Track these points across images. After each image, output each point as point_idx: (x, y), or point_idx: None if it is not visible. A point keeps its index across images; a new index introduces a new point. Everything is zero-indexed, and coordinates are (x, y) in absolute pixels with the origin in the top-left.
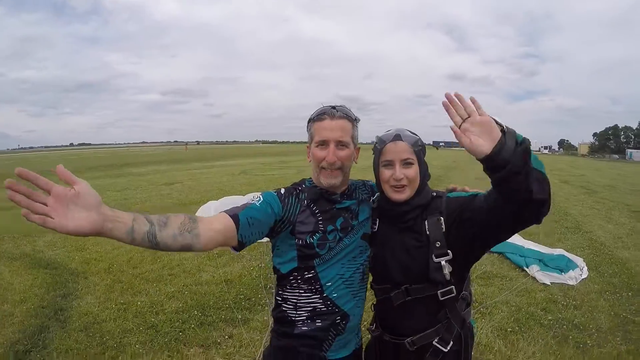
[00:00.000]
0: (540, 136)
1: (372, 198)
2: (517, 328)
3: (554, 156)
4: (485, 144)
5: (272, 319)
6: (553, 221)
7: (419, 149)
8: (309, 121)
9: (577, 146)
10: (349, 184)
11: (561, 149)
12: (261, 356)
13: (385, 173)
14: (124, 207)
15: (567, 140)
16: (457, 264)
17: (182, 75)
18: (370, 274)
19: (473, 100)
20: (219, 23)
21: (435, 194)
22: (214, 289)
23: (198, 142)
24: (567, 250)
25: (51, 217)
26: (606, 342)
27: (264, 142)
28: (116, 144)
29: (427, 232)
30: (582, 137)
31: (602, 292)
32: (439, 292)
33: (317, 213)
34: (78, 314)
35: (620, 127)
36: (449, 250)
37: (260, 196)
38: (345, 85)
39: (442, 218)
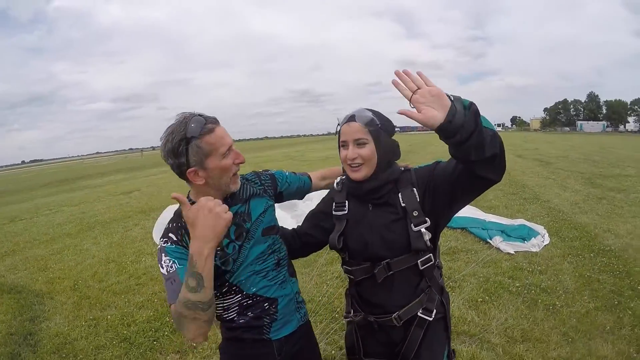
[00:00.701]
0: (492, 115)
1: (335, 182)
2: (487, 298)
3: (507, 133)
4: (438, 114)
5: (217, 319)
6: (511, 194)
7: (375, 127)
8: (183, 139)
9: (529, 122)
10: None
11: (514, 125)
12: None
13: (342, 153)
14: (83, 222)
15: (519, 117)
16: (432, 231)
17: (131, 81)
18: (342, 256)
19: (420, 74)
20: (165, 24)
21: (403, 168)
22: None
23: (153, 148)
24: (527, 220)
25: None
26: (574, 302)
27: None
28: (69, 157)
29: (403, 204)
30: (533, 113)
31: (564, 255)
32: (419, 261)
33: None
34: (48, 336)
35: (569, 101)
36: (426, 218)
37: (169, 258)
38: (295, 78)
39: (415, 189)
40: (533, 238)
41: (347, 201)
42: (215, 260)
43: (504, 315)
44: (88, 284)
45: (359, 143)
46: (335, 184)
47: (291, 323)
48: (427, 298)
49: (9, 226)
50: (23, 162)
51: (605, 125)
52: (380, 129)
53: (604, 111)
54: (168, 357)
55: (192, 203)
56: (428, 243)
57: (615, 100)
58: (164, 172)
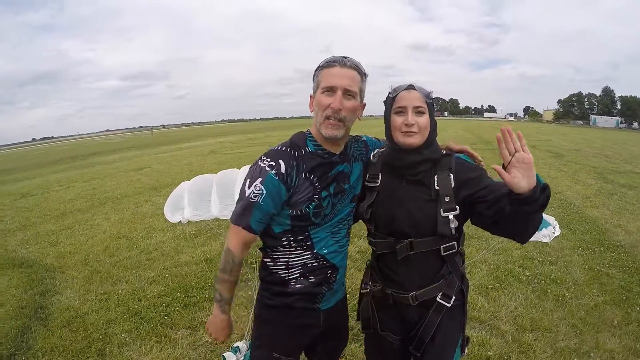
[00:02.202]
0: (505, 103)
1: (372, 153)
2: (497, 285)
3: (520, 123)
4: (524, 185)
5: (260, 281)
6: None
7: (431, 101)
8: (317, 69)
9: (542, 113)
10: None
11: (526, 115)
12: (252, 318)
13: (397, 120)
14: (94, 197)
15: (532, 108)
16: (460, 220)
17: (141, 58)
18: (368, 227)
19: (520, 137)
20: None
21: (444, 151)
22: (194, 269)
23: (164, 126)
24: None
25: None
26: (583, 294)
27: (230, 120)
28: (80, 134)
29: (437, 187)
30: (547, 104)
31: (575, 248)
32: (441, 247)
33: (315, 181)
34: (59, 310)
35: (584, 94)
36: (457, 206)
37: (262, 188)
38: (305, 58)
39: (451, 175)
40: (544, 228)
41: (380, 173)
42: (308, 209)
43: (513, 303)
44: (99, 258)
45: (418, 111)
46: (372, 156)
47: (337, 294)
48: (447, 284)
49: (20, 202)
50: (34, 139)
51: (619, 121)
52: (432, 104)
53: (619, 107)
54: (179, 332)
55: (316, 144)
56: (453, 231)
57: (631, 96)
58: (174, 150)
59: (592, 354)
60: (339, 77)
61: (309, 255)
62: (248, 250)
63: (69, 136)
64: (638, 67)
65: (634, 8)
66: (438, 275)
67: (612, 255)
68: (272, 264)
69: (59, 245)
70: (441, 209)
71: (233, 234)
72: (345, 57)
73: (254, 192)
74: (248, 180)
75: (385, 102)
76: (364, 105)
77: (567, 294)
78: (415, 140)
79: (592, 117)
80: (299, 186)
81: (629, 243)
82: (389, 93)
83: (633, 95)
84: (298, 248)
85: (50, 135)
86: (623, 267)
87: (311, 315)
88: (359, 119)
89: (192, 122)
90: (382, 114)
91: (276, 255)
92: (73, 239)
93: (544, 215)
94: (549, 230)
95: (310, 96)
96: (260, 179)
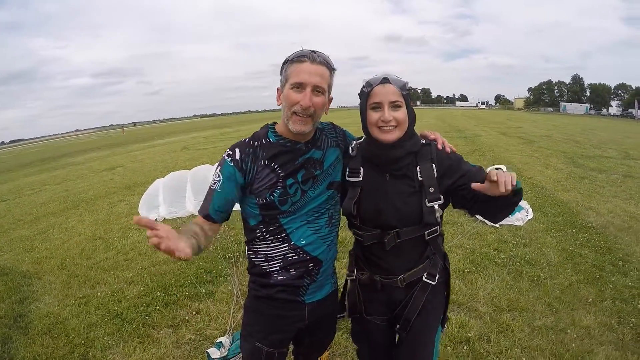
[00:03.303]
0: (476, 92)
1: (351, 146)
2: (473, 268)
3: (492, 111)
4: (497, 192)
5: (248, 273)
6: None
7: (407, 92)
8: (285, 62)
9: (512, 101)
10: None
11: (498, 103)
12: (241, 309)
13: (373, 115)
14: (67, 200)
15: (503, 96)
16: (442, 208)
17: (112, 55)
18: (348, 219)
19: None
20: None
21: (424, 141)
22: (173, 267)
23: (135, 124)
24: None
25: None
26: (558, 275)
27: (202, 116)
28: (50, 135)
29: (420, 178)
30: (518, 92)
31: (548, 230)
32: (426, 232)
33: (277, 168)
34: (39, 317)
35: (554, 82)
36: (441, 196)
37: (220, 174)
38: (280, 52)
39: (434, 165)
40: (517, 212)
41: (362, 168)
42: (273, 197)
43: (490, 286)
44: (76, 262)
45: (395, 105)
46: (350, 149)
47: (325, 287)
48: (431, 264)
49: None
50: (3, 142)
51: (589, 107)
52: (409, 95)
53: (588, 94)
54: (161, 332)
55: (277, 135)
56: (439, 219)
57: (600, 84)
58: (147, 148)
59: (568, 331)
60: (308, 74)
61: (287, 248)
62: (210, 235)
63: (39, 137)
64: (607, 56)
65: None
66: (423, 257)
67: (584, 236)
68: (254, 256)
69: (34, 251)
70: (426, 200)
71: (198, 222)
72: (315, 52)
73: (213, 180)
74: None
75: (360, 95)
76: (332, 99)
77: (542, 275)
78: (394, 135)
79: (562, 104)
80: (258, 173)
81: (600, 224)
82: (363, 87)
83: (602, 82)
84: (274, 240)
85: (20, 138)
86: (595, 247)
87: (295, 307)
88: (326, 113)
89: (164, 119)
90: (355, 105)
91: (256, 248)
92: (48, 243)
93: None
94: (522, 214)
95: (278, 89)
96: (219, 167)
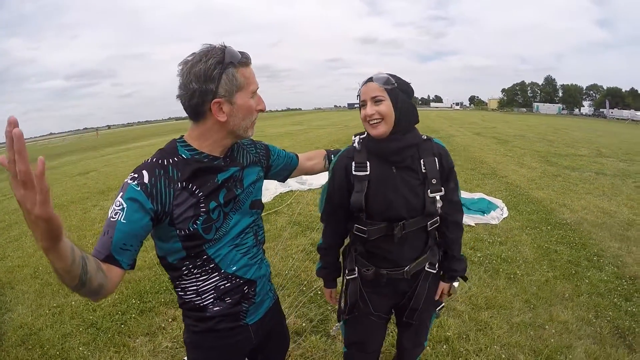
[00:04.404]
0: (451, 93)
1: (354, 139)
2: None
3: (466, 111)
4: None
5: (181, 308)
6: (470, 169)
7: (392, 87)
8: (224, 66)
9: (486, 101)
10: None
11: (472, 104)
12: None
13: (362, 112)
14: None
15: (477, 97)
16: (441, 199)
17: (86, 56)
18: (352, 214)
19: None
20: None
21: (425, 136)
22: (147, 274)
23: (109, 127)
24: (486, 194)
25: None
26: (534, 271)
27: (177, 118)
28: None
29: (424, 170)
30: (491, 93)
31: (523, 228)
32: (428, 223)
33: (196, 191)
34: (12, 328)
35: (527, 83)
36: (442, 187)
37: (122, 202)
38: (255, 54)
39: (436, 159)
40: (492, 211)
41: (368, 162)
42: (196, 226)
43: (467, 284)
44: (49, 270)
45: (376, 100)
46: (356, 143)
47: (265, 303)
48: (432, 254)
49: None
50: None
51: (561, 108)
52: (397, 88)
53: (560, 94)
54: (138, 340)
55: (191, 150)
56: (439, 210)
57: (572, 84)
58: (121, 151)
59: (547, 327)
60: (255, 77)
61: (218, 277)
62: (110, 277)
63: None
64: (579, 58)
65: (578, 2)
66: (426, 247)
67: (559, 232)
68: (183, 293)
69: (6, 259)
70: (428, 190)
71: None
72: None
73: (114, 210)
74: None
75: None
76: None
77: (518, 272)
78: (381, 129)
79: (535, 104)
80: (175, 198)
81: (574, 220)
82: (358, 90)
83: (574, 83)
84: (203, 273)
85: None
86: (570, 243)
87: (239, 332)
88: None
89: (139, 121)
90: (331, 107)
91: (183, 284)
92: (21, 251)
93: (492, 199)
94: (497, 213)
95: (219, 101)
96: (121, 194)
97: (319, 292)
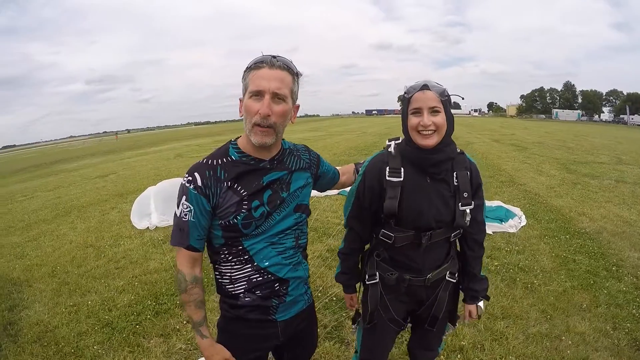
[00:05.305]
0: (469, 100)
1: (388, 144)
2: None
3: (484, 118)
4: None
5: (218, 293)
6: (488, 177)
7: (446, 99)
8: (245, 70)
9: (505, 108)
10: (283, 147)
11: (490, 111)
12: (216, 328)
13: (414, 120)
14: (59, 207)
15: (496, 103)
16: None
17: (105, 61)
18: (380, 219)
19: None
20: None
21: (459, 150)
22: (164, 276)
23: (128, 131)
24: (504, 202)
25: None
26: (551, 281)
27: (196, 123)
28: (43, 141)
29: (456, 183)
30: (510, 99)
31: (541, 236)
32: (452, 234)
33: (241, 190)
34: (29, 325)
35: (546, 89)
36: (472, 201)
37: (189, 205)
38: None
39: (469, 173)
40: (510, 219)
41: (402, 168)
42: (236, 220)
43: None
44: (67, 269)
45: (434, 111)
46: (392, 148)
47: (298, 304)
48: (452, 263)
49: None
50: None
51: (581, 114)
52: (448, 101)
53: (580, 100)
54: (152, 341)
55: (240, 152)
56: (468, 223)
57: (591, 90)
58: (140, 155)
59: (563, 338)
60: (266, 80)
61: (250, 269)
62: (199, 266)
63: (31, 144)
64: (597, 63)
65: (594, 6)
66: (448, 257)
67: (578, 242)
68: (220, 277)
69: (25, 258)
70: (459, 203)
71: (178, 254)
72: (274, 57)
73: (183, 211)
74: (177, 200)
75: (401, 101)
76: (298, 106)
77: (535, 281)
78: (433, 140)
79: (555, 111)
80: (221, 196)
81: (593, 230)
82: (405, 93)
83: (593, 89)
84: (237, 262)
85: (12, 144)
86: (589, 253)
87: (267, 326)
88: (292, 122)
89: (158, 126)
90: (349, 113)
91: (221, 269)
92: (39, 250)
93: (510, 207)
94: (515, 221)
95: (240, 100)
96: (184, 197)
97: (334, 299)
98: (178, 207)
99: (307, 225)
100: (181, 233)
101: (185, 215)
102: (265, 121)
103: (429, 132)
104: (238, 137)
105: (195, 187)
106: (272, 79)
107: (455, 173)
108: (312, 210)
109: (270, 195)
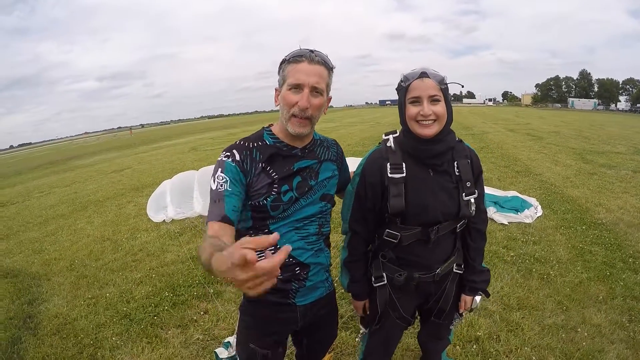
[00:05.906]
0: (483, 89)
1: (385, 138)
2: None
3: (499, 107)
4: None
5: None
6: (504, 166)
7: (445, 87)
8: (283, 62)
9: (520, 97)
10: (314, 137)
11: (505, 100)
12: (238, 312)
13: (412, 110)
14: (75, 202)
15: (511, 92)
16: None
17: (117, 58)
18: (393, 218)
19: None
20: None
21: (457, 138)
22: (181, 268)
23: (142, 125)
24: (520, 192)
25: None
26: (568, 272)
27: (209, 117)
28: (58, 138)
29: (458, 173)
30: (525, 88)
31: (557, 227)
32: (457, 225)
33: (272, 173)
34: (48, 318)
35: (561, 78)
36: (475, 190)
37: (224, 176)
38: (285, 51)
39: (469, 161)
40: (526, 210)
41: (404, 163)
42: (266, 202)
43: (499, 284)
44: (84, 263)
45: (434, 100)
46: (391, 142)
47: (318, 290)
48: (459, 255)
49: (1, 211)
50: (11, 146)
51: (597, 103)
52: (447, 89)
53: (596, 89)
54: (169, 332)
55: (274, 138)
56: (473, 212)
57: (607, 78)
58: (155, 149)
59: (579, 329)
60: (306, 75)
61: (273, 251)
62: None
63: (47, 141)
64: (614, 50)
65: None
66: (454, 249)
67: (594, 232)
68: None
69: (43, 253)
70: (463, 194)
71: (210, 228)
72: (312, 52)
73: (219, 183)
74: (212, 177)
75: (398, 90)
76: (330, 98)
77: (551, 272)
78: (432, 130)
79: (570, 99)
80: (256, 175)
81: (610, 221)
82: (401, 82)
83: (610, 77)
84: None
85: (28, 142)
86: (605, 244)
87: (286, 309)
88: (324, 113)
89: (172, 120)
90: (362, 104)
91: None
92: (57, 245)
93: (526, 197)
94: (531, 211)
95: (276, 89)
96: (220, 169)
97: None
98: (214, 182)
99: (330, 216)
100: (216, 205)
101: (221, 185)
102: (304, 113)
103: (429, 121)
104: (271, 125)
105: (234, 161)
106: (312, 73)
107: (456, 162)
108: None
109: (300, 182)
